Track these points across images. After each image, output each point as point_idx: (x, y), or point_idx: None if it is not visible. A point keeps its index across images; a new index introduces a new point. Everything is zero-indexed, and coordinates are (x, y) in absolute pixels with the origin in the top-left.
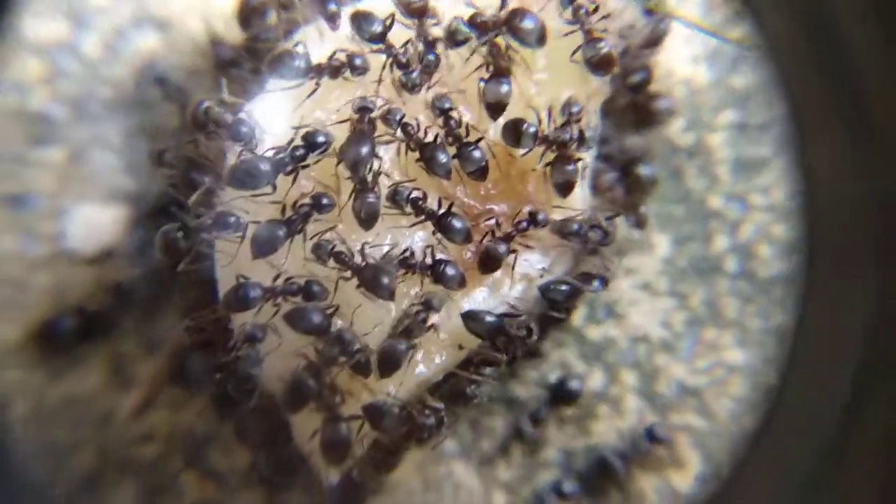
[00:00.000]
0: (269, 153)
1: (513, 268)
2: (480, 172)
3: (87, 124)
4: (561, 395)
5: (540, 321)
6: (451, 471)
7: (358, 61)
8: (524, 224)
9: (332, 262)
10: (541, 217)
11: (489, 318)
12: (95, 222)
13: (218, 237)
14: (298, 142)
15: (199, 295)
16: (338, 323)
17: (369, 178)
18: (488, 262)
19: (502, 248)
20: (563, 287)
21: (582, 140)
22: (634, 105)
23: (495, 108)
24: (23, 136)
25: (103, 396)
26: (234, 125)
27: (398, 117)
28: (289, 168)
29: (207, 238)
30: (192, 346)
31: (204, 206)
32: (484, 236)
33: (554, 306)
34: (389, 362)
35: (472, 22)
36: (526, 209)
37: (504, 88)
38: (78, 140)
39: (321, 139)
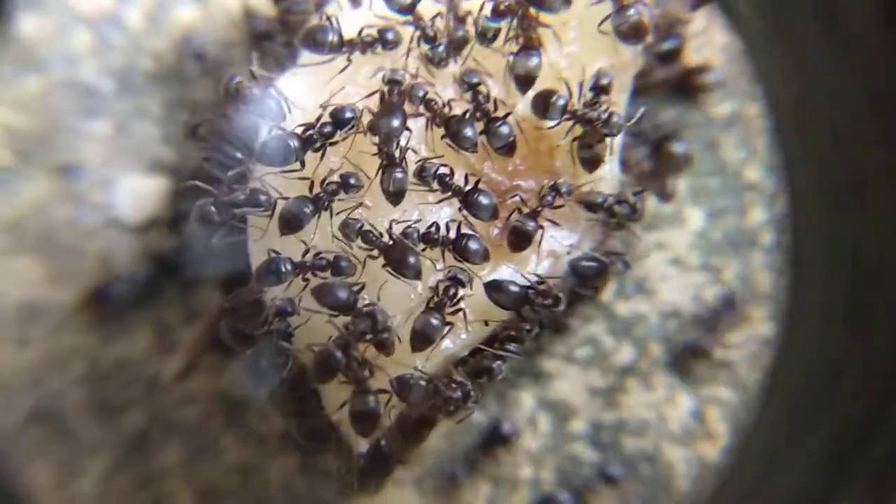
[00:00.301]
0: (298, 130)
1: (539, 244)
2: (508, 148)
3: (131, 96)
4: (495, 438)
5: (568, 296)
6: (479, 440)
7: (390, 35)
8: (549, 198)
9: (359, 241)
10: (564, 188)
11: (514, 288)
12: (140, 193)
13: (249, 213)
14: (326, 118)
15: (233, 270)
16: (365, 299)
17: (397, 153)
18: (518, 240)
19: (531, 224)
20: (593, 264)
21: (609, 121)
22: (677, 78)
23: (525, 81)
24: (74, 107)
25: (150, 360)
26: (263, 100)
27: (421, 94)
28: (317, 145)
29: (239, 214)
30: (228, 320)
31: (237, 182)
32: (511, 213)
33: (584, 283)
34: (423, 337)
35: (497, 11)
36: (548, 182)
37: (534, 61)
38: (122, 112)
39: (348, 115)
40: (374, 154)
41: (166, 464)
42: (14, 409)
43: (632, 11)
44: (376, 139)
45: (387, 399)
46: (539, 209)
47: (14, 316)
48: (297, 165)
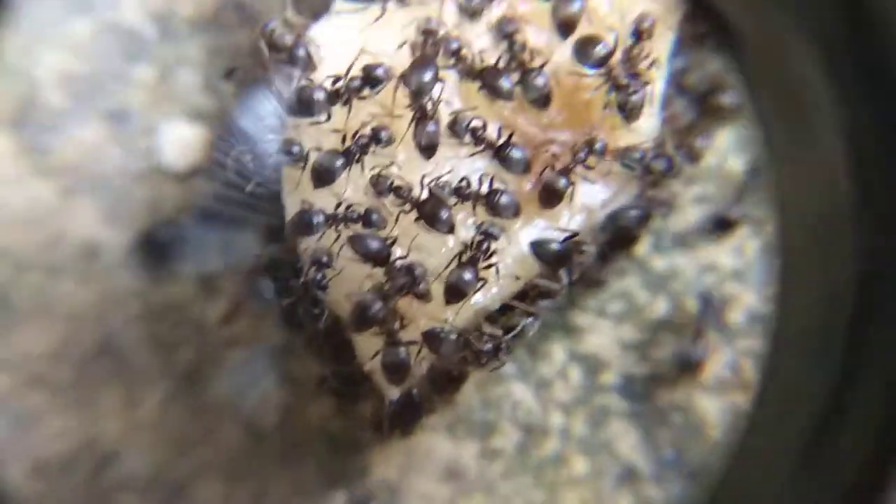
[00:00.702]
0: (327, 82)
1: (571, 198)
2: (543, 100)
3: (172, 42)
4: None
5: (603, 251)
6: (510, 391)
7: None
8: (582, 154)
9: (391, 196)
10: (598, 144)
11: (555, 245)
12: (183, 140)
13: (282, 164)
14: (357, 73)
15: (270, 220)
16: (397, 252)
17: (429, 106)
18: (549, 197)
19: (562, 181)
20: (634, 212)
21: (637, 89)
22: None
23: (566, 27)
24: (119, 52)
25: (196, 304)
26: (294, 49)
27: (454, 47)
28: (345, 98)
29: (273, 163)
30: (264, 270)
31: (271, 132)
32: (544, 168)
33: (623, 234)
34: (457, 291)
35: None
36: (583, 137)
37: (575, 6)
38: (165, 58)
39: (379, 73)
40: (407, 107)
41: (215, 399)
42: (84, 341)
43: None
44: (408, 92)
45: (417, 350)
46: (572, 166)
47: (77, 254)
48: (323, 118)
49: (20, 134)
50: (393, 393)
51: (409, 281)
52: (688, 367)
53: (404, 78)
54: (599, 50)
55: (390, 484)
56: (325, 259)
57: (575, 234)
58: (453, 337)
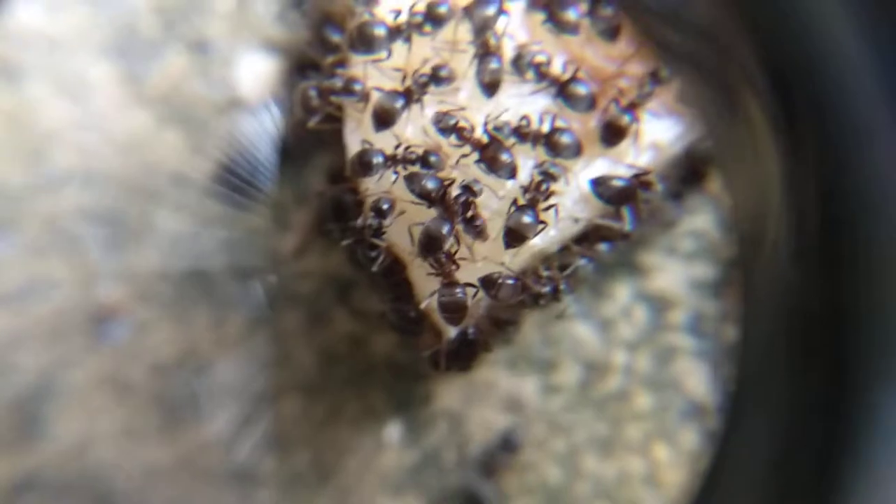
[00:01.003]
0: (389, 17)
1: (637, 136)
2: (612, 31)
3: None
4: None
5: (674, 188)
6: (571, 330)
7: None
8: (649, 86)
9: (452, 137)
10: (665, 72)
11: (618, 182)
12: (258, 72)
13: (344, 101)
14: (420, 8)
15: (334, 159)
16: (454, 192)
17: (493, 41)
18: (612, 134)
19: (626, 117)
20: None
21: None
22: None
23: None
24: None
25: (271, 235)
26: None
27: None
28: (406, 35)
29: (335, 100)
30: (329, 209)
31: (337, 67)
32: (608, 104)
33: (694, 168)
34: (517, 234)
35: None
36: (648, 70)
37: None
38: None
39: (442, 10)
40: (469, 42)
41: (290, 327)
42: (179, 262)
43: None
44: (471, 27)
45: (474, 293)
46: (637, 100)
47: (169, 182)
48: (383, 55)
49: (121, 61)
50: (451, 330)
51: (469, 197)
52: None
53: (467, 12)
54: None
55: (452, 412)
56: (385, 206)
57: (641, 172)
58: (510, 282)
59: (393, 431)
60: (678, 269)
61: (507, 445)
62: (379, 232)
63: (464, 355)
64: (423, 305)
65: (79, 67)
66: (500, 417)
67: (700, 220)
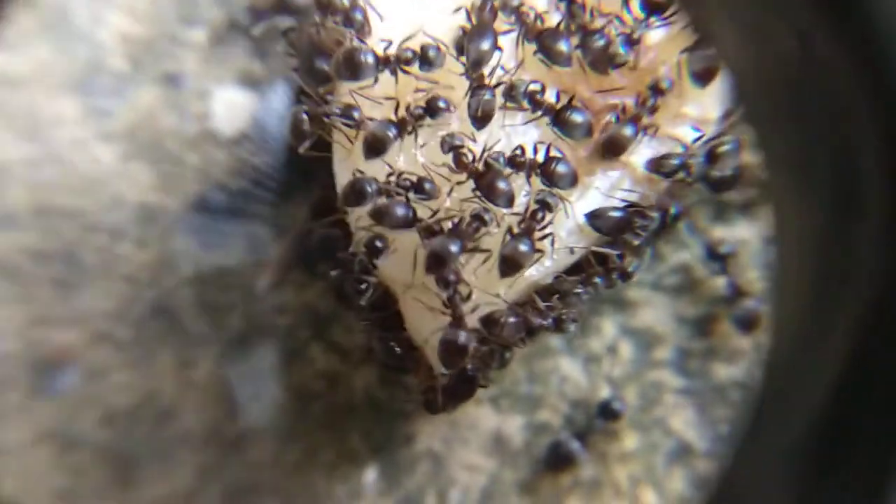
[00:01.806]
0: (379, 47)
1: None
2: (604, 63)
3: (224, 4)
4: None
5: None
6: (558, 365)
7: None
8: (652, 99)
9: (449, 161)
10: (666, 83)
11: (615, 214)
12: (233, 105)
13: (335, 128)
14: (409, 45)
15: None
16: (449, 224)
17: (487, 73)
18: (614, 147)
19: (628, 129)
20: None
21: None
22: None
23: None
24: (176, 14)
25: (245, 270)
26: (351, 11)
27: (515, 2)
28: (393, 67)
29: (328, 125)
30: (315, 243)
31: (329, 94)
32: (606, 124)
33: (721, 185)
34: (513, 262)
35: None
36: (649, 84)
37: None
38: (217, 21)
39: (433, 54)
40: (461, 74)
41: (263, 364)
42: (140, 301)
43: None
44: (464, 60)
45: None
46: (639, 112)
47: (134, 217)
48: (370, 83)
49: (86, 97)
50: (442, 367)
51: (480, 224)
52: (746, 327)
53: (463, 47)
54: None
55: (434, 453)
56: (379, 244)
57: (636, 203)
58: (513, 320)
59: (370, 476)
60: (664, 304)
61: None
62: (370, 267)
63: (461, 393)
64: (421, 340)
65: (38, 105)
66: (484, 460)
67: (687, 255)
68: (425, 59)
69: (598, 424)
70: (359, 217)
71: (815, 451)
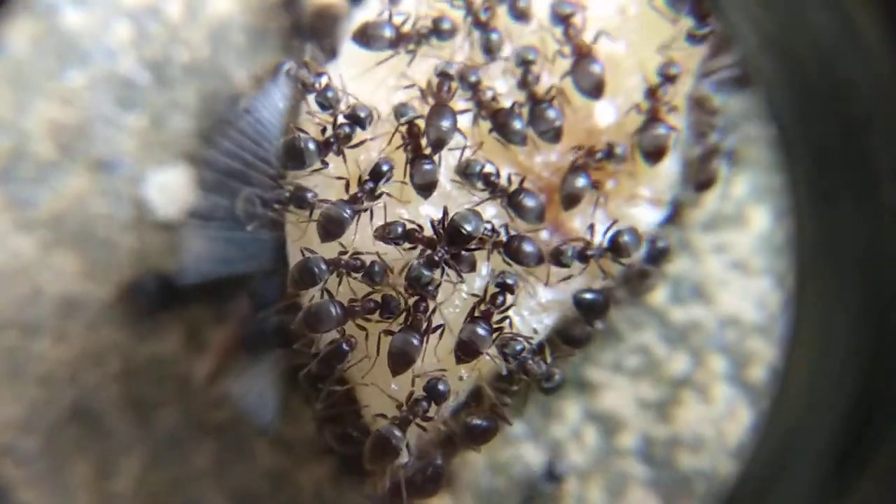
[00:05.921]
0: (317, 131)
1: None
2: (555, 133)
3: (167, 89)
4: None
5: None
6: (520, 454)
7: (446, 24)
8: (601, 154)
9: (405, 245)
10: (619, 149)
11: (593, 296)
12: (171, 187)
13: (291, 211)
14: (342, 119)
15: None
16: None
17: (424, 144)
18: (570, 200)
19: (581, 180)
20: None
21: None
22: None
23: (592, 92)
24: (112, 100)
25: (181, 360)
26: (324, 91)
27: (473, 78)
28: (335, 147)
29: (280, 210)
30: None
31: (279, 178)
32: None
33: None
34: (470, 348)
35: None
36: (604, 142)
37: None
38: (158, 104)
39: (362, 114)
40: (398, 148)
41: (199, 466)
42: (55, 404)
43: None
44: (404, 130)
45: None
46: (591, 163)
47: (54, 310)
48: (318, 166)
49: (4, 188)
50: (405, 456)
51: (428, 406)
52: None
53: (425, 128)
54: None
55: None
56: (346, 347)
57: (608, 286)
58: (485, 425)
59: None
60: (624, 386)
61: None
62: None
63: (427, 488)
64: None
65: None
66: None
67: (645, 335)
68: (357, 119)
69: (544, 488)
70: (312, 297)
71: None
